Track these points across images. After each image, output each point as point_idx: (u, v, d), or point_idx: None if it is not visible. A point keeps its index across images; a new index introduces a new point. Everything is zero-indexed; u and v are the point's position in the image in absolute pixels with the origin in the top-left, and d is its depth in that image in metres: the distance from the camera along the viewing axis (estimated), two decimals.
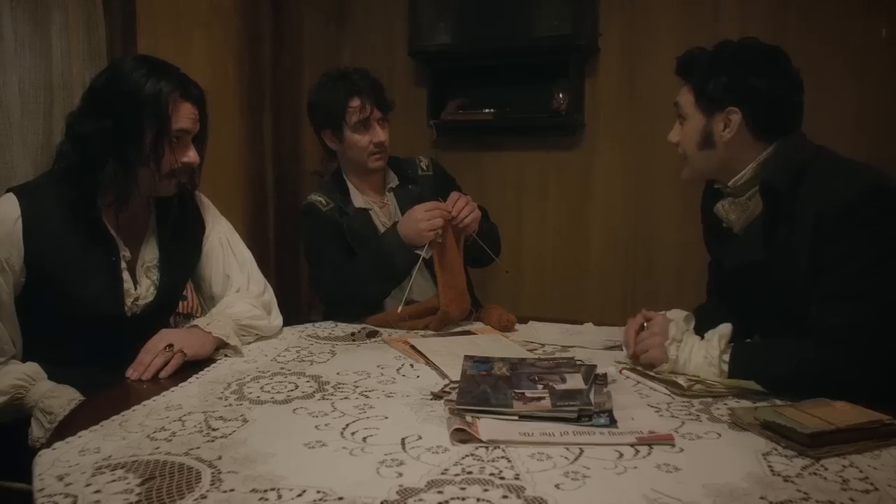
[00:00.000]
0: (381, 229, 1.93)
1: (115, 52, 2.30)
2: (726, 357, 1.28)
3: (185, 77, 1.48)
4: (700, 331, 1.35)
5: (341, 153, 2.00)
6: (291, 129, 3.36)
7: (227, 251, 1.67)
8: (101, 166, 1.40)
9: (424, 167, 2.09)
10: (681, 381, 1.28)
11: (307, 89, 3.36)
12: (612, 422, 1.11)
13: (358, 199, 1.98)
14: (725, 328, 1.31)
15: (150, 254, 1.55)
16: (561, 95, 3.00)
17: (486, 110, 3.12)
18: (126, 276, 1.49)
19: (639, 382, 1.33)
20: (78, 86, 2.16)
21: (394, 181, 2.04)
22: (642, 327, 1.42)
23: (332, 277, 1.83)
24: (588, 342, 1.62)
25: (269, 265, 3.19)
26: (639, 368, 1.39)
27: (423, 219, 1.72)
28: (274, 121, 3.25)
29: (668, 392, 1.27)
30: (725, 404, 1.21)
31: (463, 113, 3.17)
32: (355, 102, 1.91)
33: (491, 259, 1.91)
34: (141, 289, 1.53)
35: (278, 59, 3.26)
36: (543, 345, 1.61)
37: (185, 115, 1.46)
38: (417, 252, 1.73)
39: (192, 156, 1.49)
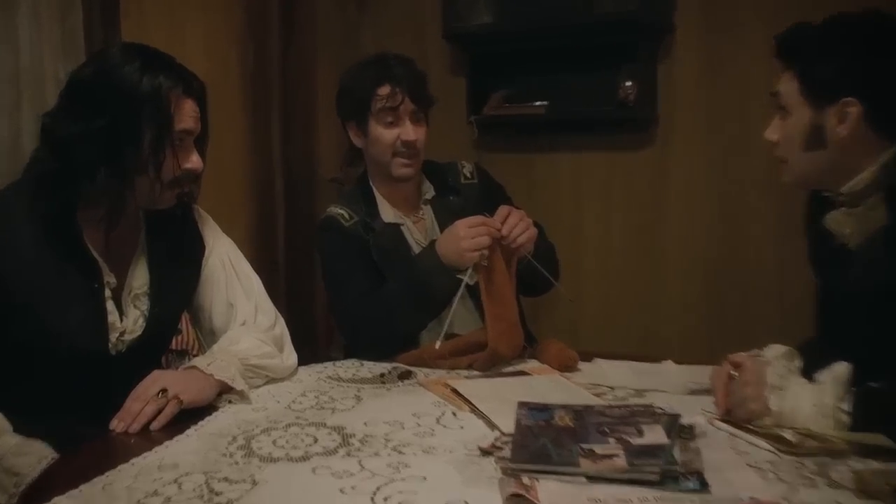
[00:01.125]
0: (416, 249, 1.95)
1: (95, 41, 2.34)
2: (845, 405, 1.24)
3: (184, 70, 1.50)
4: (808, 372, 1.31)
5: (366, 152, 2.02)
6: (304, 130, 3.41)
7: (230, 275, 1.69)
8: (89, 175, 1.42)
9: (468, 174, 2.10)
10: (788, 435, 1.24)
11: (322, 82, 3.49)
12: (704, 486, 1.09)
13: (387, 212, 1.99)
14: (841, 369, 1.26)
15: (139, 279, 1.56)
16: (629, 84, 2.99)
17: (537, 103, 3.13)
18: (110, 306, 1.50)
19: (734, 436, 1.31)
20: (51, 80, 2.19)
21: (430, 191, 2.06)
22: (731, 377, 1.38)
23: (357, 306, 1.85)
24: (668, 385, 1.60)
25: (279, 292, 3.22)
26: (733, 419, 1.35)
27: (467, 236, 1.72)
28: (283, 120, 3.30)
29: (773, 449, 1.24)
30: (848, 465, 1.18)
31: (509, 107, 3.18)
32: (385, 89, 1.93)
33: (548, 285, 1.91)
34: (128, 321, 1.53)
35: (288, 48, 3.32)
36: (613, 388, 1.60)
37: (187, 114, 1.48)
38: (459, 277, 1.74)
39: (195, 161, 1.51)
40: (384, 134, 1.95)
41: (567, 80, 3.12)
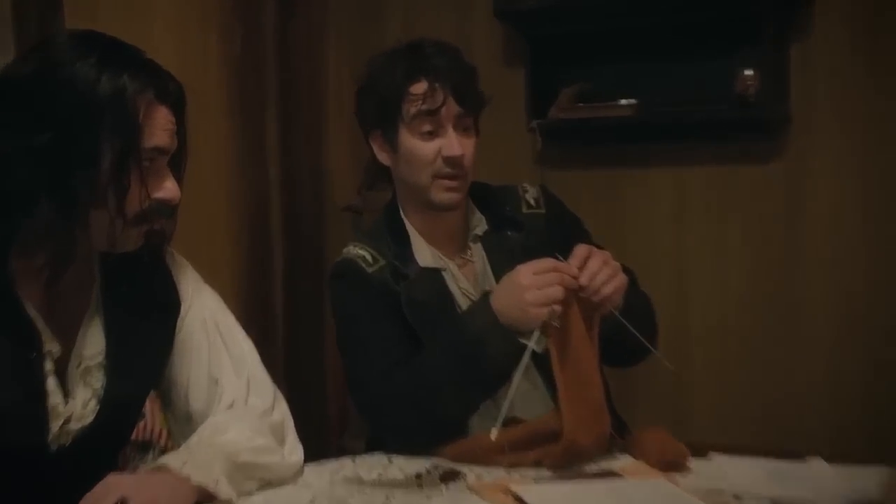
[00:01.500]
0: (463, 303, 1.96)
1: (28, 29, 2.37)
2: None
3: (157, 67, 1.51)
4: None
5: (396, 172, 2.05)
6: (309, 140, 3.45)
7: (214, 341, 1.69)
8: (26, 209, 1.43)
9: (532, 201, 2.12)
10: None
11: (335, 76, 3.51)
12: None
13: (424, 253, 2.01)
14: None
15: (92, 346, 1.57)
16: (748, 73, 2.98)
17: (623, 101, 3.12)
18: (52, 383, 1.50)
19: None
20: None
21: (482, 224, 2.06)
22: None
23: (383, 382, 1.85)
24: (818, 493, 1.57)
25: (277, 361, 3.23)
26: None
27: (533, 287, 1.72)
28: (281, 128, 3.33)
29: None
30: None
31: (584, 107, 3.18)
32: (420, 86, 1.94)
33: (643, 352, 1.89)
34: (75, 404, 1.53)
35: (286, 32, 3.36)
36: (740, 497, 1.57)
37: (161, 126, 1.48)
38: (523, 341, 1.73)
39: (170, 188, 1.51)
40: (420, 148, 1.96)
41: (663, 71, 3.11)
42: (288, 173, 3.35)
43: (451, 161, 1.94)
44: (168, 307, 1.67)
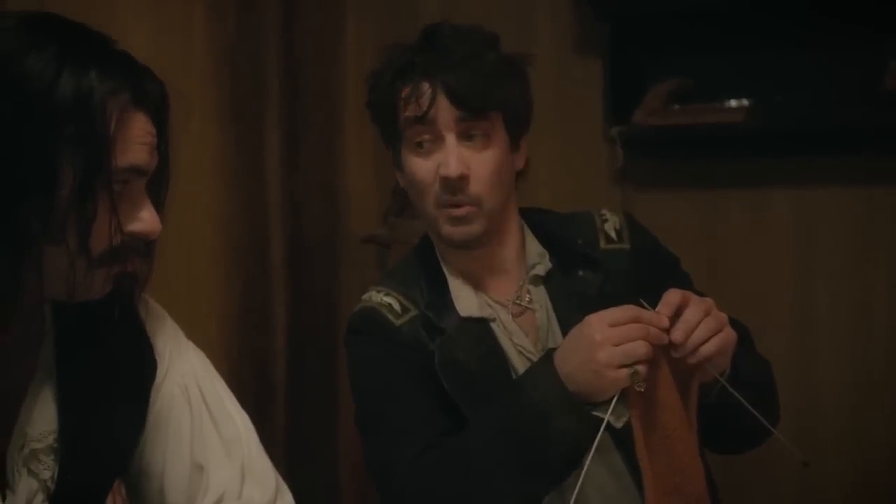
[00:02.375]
0: (518, 364, 1.96)
1: None
2: None
3: (131, 62, 1.49)
4: None
5: (411, 198, 2.09)
6: (321, 152, 3.47)
7: (199, 415, 1.67)
8: None
9: (613, 233, 2.11)
10: None
11: (354, 70, 3.50)
12: None
13: (467, 299, 2.02)
14: None
15: (41, 423, 1.54)
16: None
17: (732, 103, 3.12)
18: None
19: None
20: None
21: (544, 262, 2.07)
22: None
23: (415, 468, 1.85)
24: None
25: (277, 437, 3.24)
26: None
27: (608, 342, 1.72)
28: (285, 136, 3.36)
29: None
30: None
31: (680, 110, 3.18)
32: (406, 90, 1.97)
33: (760, 434, 1.88)
34: (17, 499, 1.51)
35: (294, 9, 3.40)
36: None
37: (137, 139, 1.45)
38: (597, 414, 1.74)
39: (148, 219, 1.48)
40: (419, 167, 1.98)
41: (785, 63, 3.10)
42: (293, 195, 3.37)
43: (446, 183, 1.93)
44: (140, 372, 1.65)
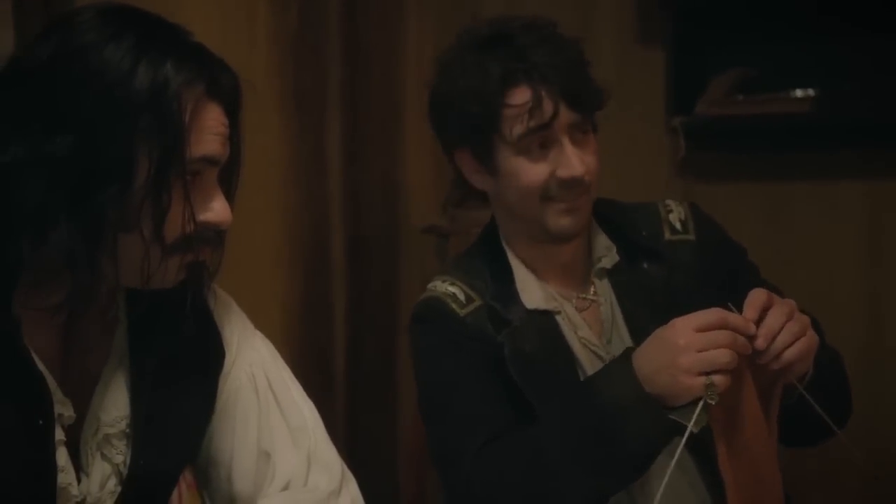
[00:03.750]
0: (585, 358, 1.97)
1: (28, 5, 2.42)
2: None
3: (207, 53, 1.50)
4: None
5: (495, 197, 2.06)
6: (381, 144, 3.48)
7: (266, 403, 1.69)
8: (37, 231, 1.43)
9: (678, 224, 2.10)
10: None
11: (414, 59, 3.50)
12: None
13: (533, 292, 2.01)
14: None
15: (113, 409, 1.57)
16: None
17: (798, 92, 3.10)
18: (63, 455, 1.51)
19: None
20: None
21: (610, 254, 2.06)
22: None
23: (480, 459, 1.85)
24: None
25: (336, 425, 3.22)
26: None
27: (692, 347, 1.69)
28: (347, 128, 3.36)
29: None
30: None
31: (744, 100, 3.15)
32: (521, 95, 1.93)
33: (830, 430, 1.83)
34: (91, 483, 1.54)
35: (353, 7, 3.41)
36: None
37: (211, 130, 1.48)
38: (675, 418, 1.71)
39: (220, 210, 1.51)
40: (528, 170, 1.95)
41: (852, 52, 3.06)
42: (353, 187, 3.38)
43: (569, 182, 1.93)
44: (209, 360, 1.67)
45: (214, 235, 1.52)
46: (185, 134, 1.43)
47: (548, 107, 1.90)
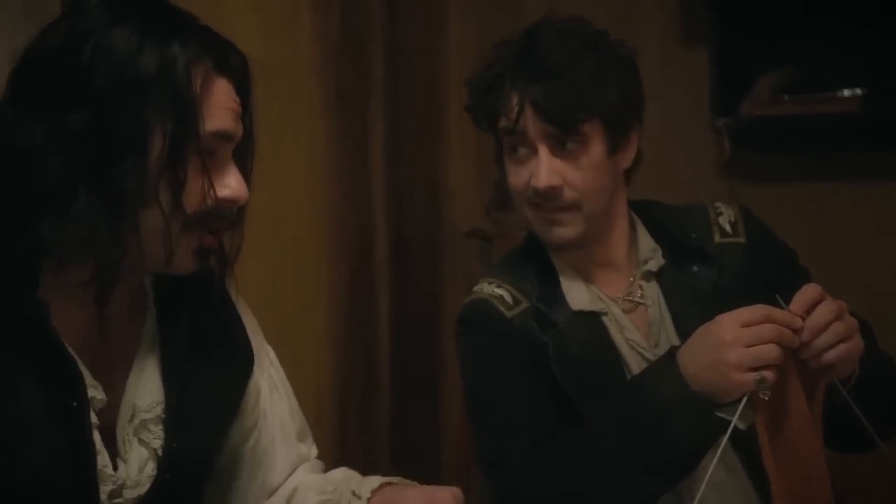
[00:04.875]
0: (632, 360, 1.97)
1: None
2: None
3: (213, 34, 1.52)
4: None
5: None
6: (424, 144, 3.46)
7: (280, 410, 1.75)
8: (59, 207, 1.43)
9: (728, 227, 2.09)
10: None
11: (457, 58, 3.48)
12: None
13: (578, 293, 2.02)
14: None
15: (147, 394, 1.59)
16: None
17: (846, 92, 3.05)
18: (97, 438, 1.52)
19: None
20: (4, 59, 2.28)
21: (657, 256, 2.06)
22: None
23: (528, 460, 1.86)
24: None
25: (382, 426, 3.26)
26: None
27: (739, 343, 1.69)
28: (389, 128, 3.36)
29: None
30: None
31: (791, 100, 3.11)
32: (511, 100, 1.95)
33: (882, 437, 1.83)
34: (129, 467, 1.55)
35: (395, 11, 3.39)
36: None
37: (222, 104, 1.50)
38: (721, 416, 1.71)
39: (235, 186, 1.53)
40: (512, 174, 2.00)
41: None
42: (397, 188, 3.37)
43: (537, 193, 1.94)
44: (237, 345, 1.71)
45: (231, 213, 1.54)
46: (197, 108, 1.45)
47: (512, 112, 1.93)
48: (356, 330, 3.25)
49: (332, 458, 3.08)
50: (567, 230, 1.96)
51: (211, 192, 1.48)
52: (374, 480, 1.65)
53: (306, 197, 3.08)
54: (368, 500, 1.60)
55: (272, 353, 1.79)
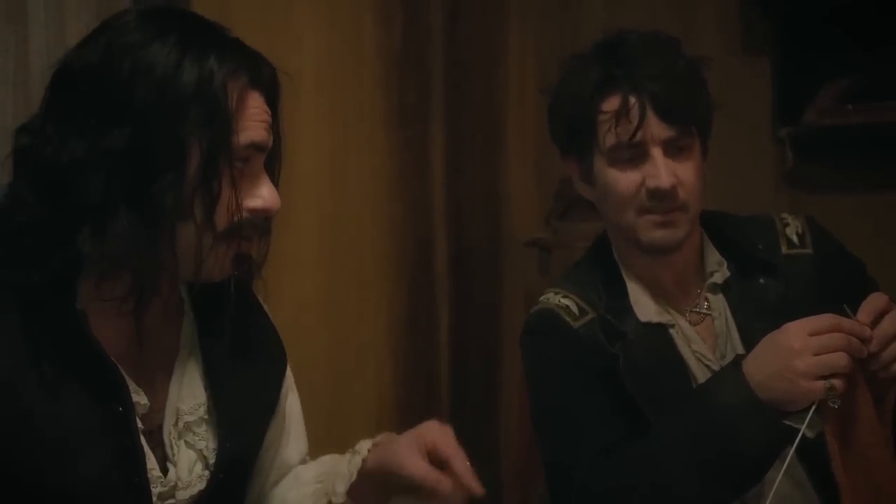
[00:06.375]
0: (698, 370, 1.96)
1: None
2: None
3: (245, 47, 1.53)
4: None
5: (599, 208, 2.06)
6: (484, 155, 3.45)
7: (296, 408, 1.78)
8: (98, 224, 1.44)
9: (795, 238, 2.07)
10: None
11: (516, 74, 3.48)
12: None
13: (646, 305, 2.00)
14: None
15: (190, 398, 1.60)
16: None
17: None
18: (146, 444, 1.53)
19: None
20: (35, 74, 2.30)
21: (722, 269, 2.04)
22: None
23: (595, 469, 1.85)
24: None
25: None
26: None
27: (807, 351, 1.68)
28: (450, 139, 3.35)
29: None
30: None
31: (855, 109, 3.09)
32: (612, 102, 1.92)
33: None
34: (180, 469, 1.57)
35: (458, 17, 3.39)
36: None
37: (255, 118, 1.51)
38: (790, 424, 1.70)
39: (267, 196, 1.53)
40: (618, 180, 1.94)
41: None
42: (457, 199, 3.37)
43: (657, 193, 1.90)
44: (271, 348, 1.73)
45: (264, 222, 1.55)
46: (233, 122, 1.46)
47: (634, 116, 1.89)
48: (416, 339, 3.25)
49: None
50: (678, 232, 1.94)
51: (238, 206, 1.49)
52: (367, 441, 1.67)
53: (368, 207, 3.09)
54: (365, 459, 1.60)
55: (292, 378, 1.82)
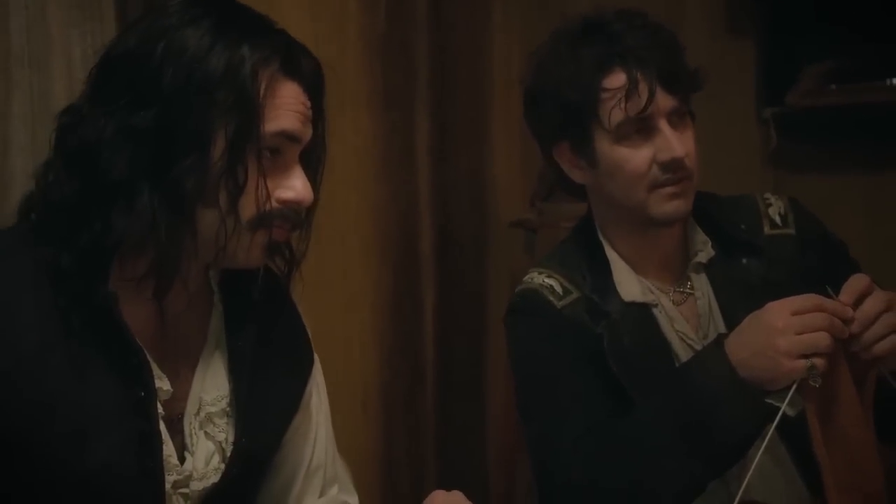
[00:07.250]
0: (681, 349, 1.96)
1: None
2: None
3: (287, 38, 1.53)
4: None
5: (595, 189, 2.04)
6: (469, 139, 3.44)
7: (328, 428, 1.77)
8: (125, 201, 1.45)
9: (777, 218, 2.06)
10: None
11: (501, 59, 3.47)
12: None
13: (630, 284, 2.00)
14: None
15: (213, 388, 1.61)
16: None
17: (892, 81, 3.03)
18: (165, 430, 1.54)
19: None
20: (60, 59, 2.28)
21: (706, 248, 2.03)
22: None
23: (579, 448, 1.86)
24: None
25: (427, 419, 3.25)
26: None
27: (789, 330, 1.68)
28: (435, 124, 3.35)
29: None
30: None
31: (838, 89, 3.09)
32: (617, 79, 1.91)
33: None
34: (197, 459, 1.57)
35: (440, 6, 3.38)
36: None
37: (288, 106, 1.50)
38: (771, 402, 1.69)
39: (300, 188, 1.52)
40: (629, 158, 1.92)
41: None
42: (442, 183, 3.37)
43: (671, 165, 1.90)
44: (301, 356, 1.72)
45: (295, 215, 1.54)
46: (259, 109, 1.46)
47: (643, 90, 1.88)
48: (401, 322, 3.25)
49: (377, 450, 3.08)
50: (686, 202, 1.94)
51: (266, 196, 1.49)
52: None
53: (352, 191, 3.08)
54: None
55: (318, 362, 1.79)
